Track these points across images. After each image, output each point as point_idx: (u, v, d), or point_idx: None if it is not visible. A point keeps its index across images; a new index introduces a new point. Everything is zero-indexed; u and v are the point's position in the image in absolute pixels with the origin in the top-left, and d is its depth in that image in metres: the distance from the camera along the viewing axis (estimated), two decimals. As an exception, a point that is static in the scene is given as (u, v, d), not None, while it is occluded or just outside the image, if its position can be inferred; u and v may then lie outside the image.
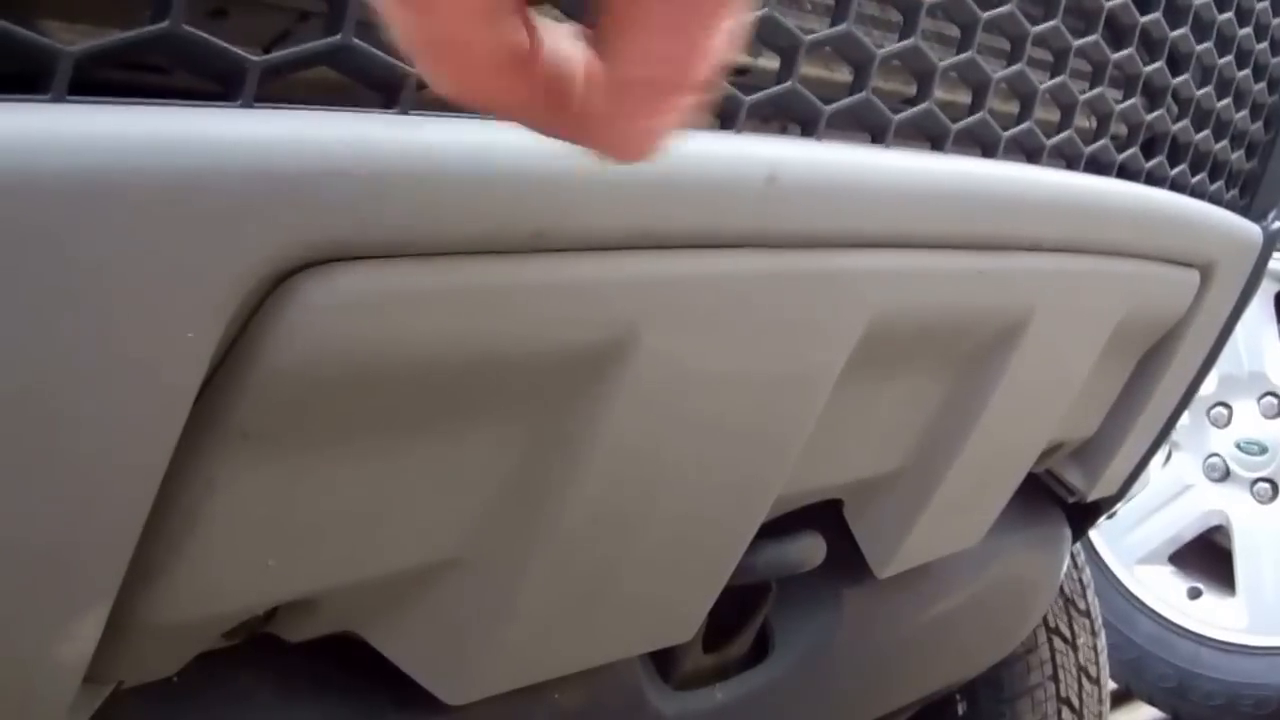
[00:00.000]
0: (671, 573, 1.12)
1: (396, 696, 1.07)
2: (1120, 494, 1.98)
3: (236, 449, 0.77)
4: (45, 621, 0.74)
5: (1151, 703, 3.94)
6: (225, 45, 0.70)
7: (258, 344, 0.74)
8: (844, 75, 1.10)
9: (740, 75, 1.03)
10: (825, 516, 1.43)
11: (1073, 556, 2.36)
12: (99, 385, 0.68)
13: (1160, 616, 3.95)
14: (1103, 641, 2.45)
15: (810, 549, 1.39)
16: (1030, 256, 1.26)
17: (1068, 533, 2.04)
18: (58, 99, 0.65)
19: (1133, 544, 4.05)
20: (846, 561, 1.47)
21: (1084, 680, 2.39)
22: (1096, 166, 1.39)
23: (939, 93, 1.15)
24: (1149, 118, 1.45)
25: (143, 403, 0.70)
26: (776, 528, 1.35)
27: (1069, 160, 1.35)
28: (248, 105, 0.72)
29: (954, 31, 1.18)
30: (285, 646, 1.01)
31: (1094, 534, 4.00)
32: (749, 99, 0.97)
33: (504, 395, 0.89)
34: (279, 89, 0.74)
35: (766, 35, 0.99)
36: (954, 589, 1.73)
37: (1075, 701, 2.37)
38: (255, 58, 0.72)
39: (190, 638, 0.89)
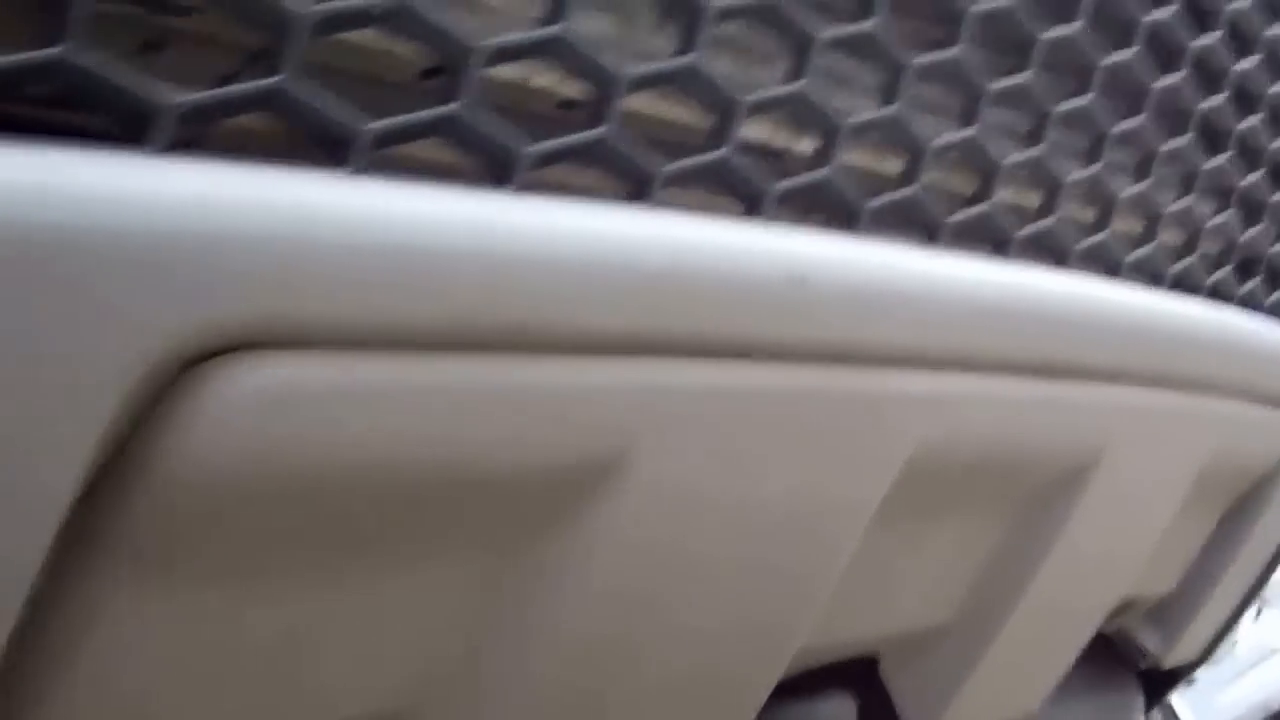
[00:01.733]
0: (669, 738, 1.01)
1: None
2: (1201, 659, 1.86)
3: (126, 574, 0.68)
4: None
5: None
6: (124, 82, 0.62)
7: (154, 445, 0.64)
8: (895, 166, 1.02)
9: (772, 158, 0.95)
10: (859, 674, 1.32)
11: (1148, 724, 2.25)
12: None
13: (1246, 793, 3.80)
14: (1180, 822, 2.34)
15: (837, 714, 1.28)
16: (1103, 388, 1.16)
17: (1141, 702, 1.92)
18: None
19: (1219, 709, 3.90)
20: (884, 729, 1.36)
21: None
22: (1184, 287, 1.29)
23: (1004, 192, 1.06)
24: (1246, 235, 1.35)
25: None
26: (800, 685, 1.24)
27: (1152, 278, 1.26)
28: (157, 152, 0.63)
29: (1026, 124, 1.09)
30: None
31: (1175, 695, 3.86)
32: (779, 186, 0.88)
33: (468, 520, 0.79)
34: (196, 134, 0.66)
35: (803, 115, 0.91)
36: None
37: None
38: (173, 100, 0.63)
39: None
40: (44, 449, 0.60)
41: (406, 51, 0.75)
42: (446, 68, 0.74)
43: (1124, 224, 1.20)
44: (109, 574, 0.68)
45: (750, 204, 0.89)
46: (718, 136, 0.85)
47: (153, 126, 0.63)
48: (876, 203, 0.94)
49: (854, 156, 0.97)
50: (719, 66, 0.85)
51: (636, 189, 0.83)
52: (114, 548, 0.67)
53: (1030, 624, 1.31)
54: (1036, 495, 1.20)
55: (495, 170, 0.76)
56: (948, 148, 0.99)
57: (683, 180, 0.84)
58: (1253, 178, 1.32)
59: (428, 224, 0.69)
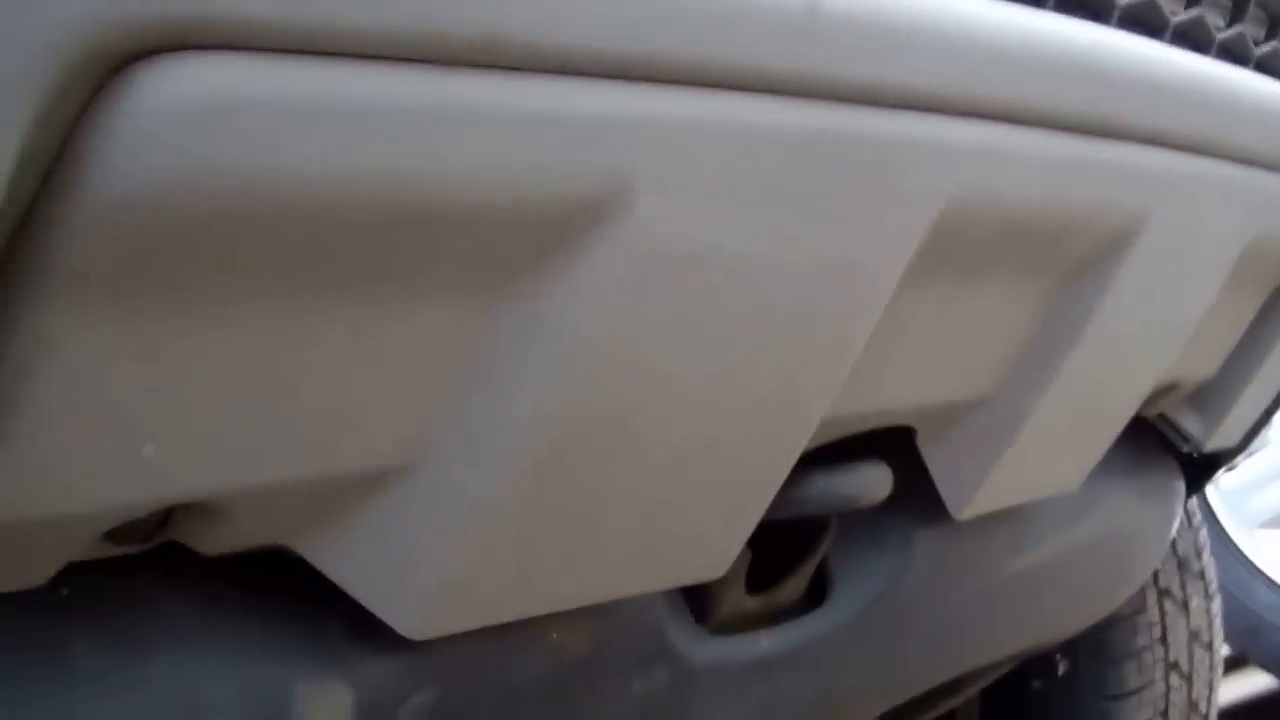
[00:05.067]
0: (689, 498, 0.90)
1: (350, 627, 0.87)
2: (1242, 446, 1.74)
3: (73, 298, 0.57)
4: None
5: (1266, 670, 3.69)
6: None
7: (84, 158, 0.54)
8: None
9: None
10: (898, 446, 1.21)
11: (1188, 515, 2.16)
12: None
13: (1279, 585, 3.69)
14: (1217, 606, 2.26)
15: (873, 481, 1.16)
16: (1148, 151, 1.02)
17: (1182, 486, 1.81)
18: None
19: (1255, 508, 3.77)
20: (920, 499, 1.25)
21: (1195, 646, 2.20)
22: (1230, 56, 1.14)
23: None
24: (1296, 4, 1.20)
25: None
26: (837, 454, 1.13)
27: (1197, 45, 1.11)
28: None
29: None
30: (215, 559, 0.82)
31: (1213, 495, 3.75)
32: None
33: (448, 258, 0.67)
34: None
35: None
36: (1047, 538, 1.50)
37: (1185, 667, 2.18)
38: None
39: (51, 541, 0.69)
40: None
41: None
42: None
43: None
44: (57, 304, 0.57)
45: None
46: None
47: None
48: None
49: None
50: None
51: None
52: (56, 272, 0.56)
53: (1067, 400, 1.19)
54: (1075, 264, 1.07)
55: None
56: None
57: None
58: (1305, -58, 1.17)
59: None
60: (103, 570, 0.78)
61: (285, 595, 0.87)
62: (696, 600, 1.14)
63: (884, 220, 0.85)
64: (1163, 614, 2.15)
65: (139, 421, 0.63)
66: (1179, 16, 1.07)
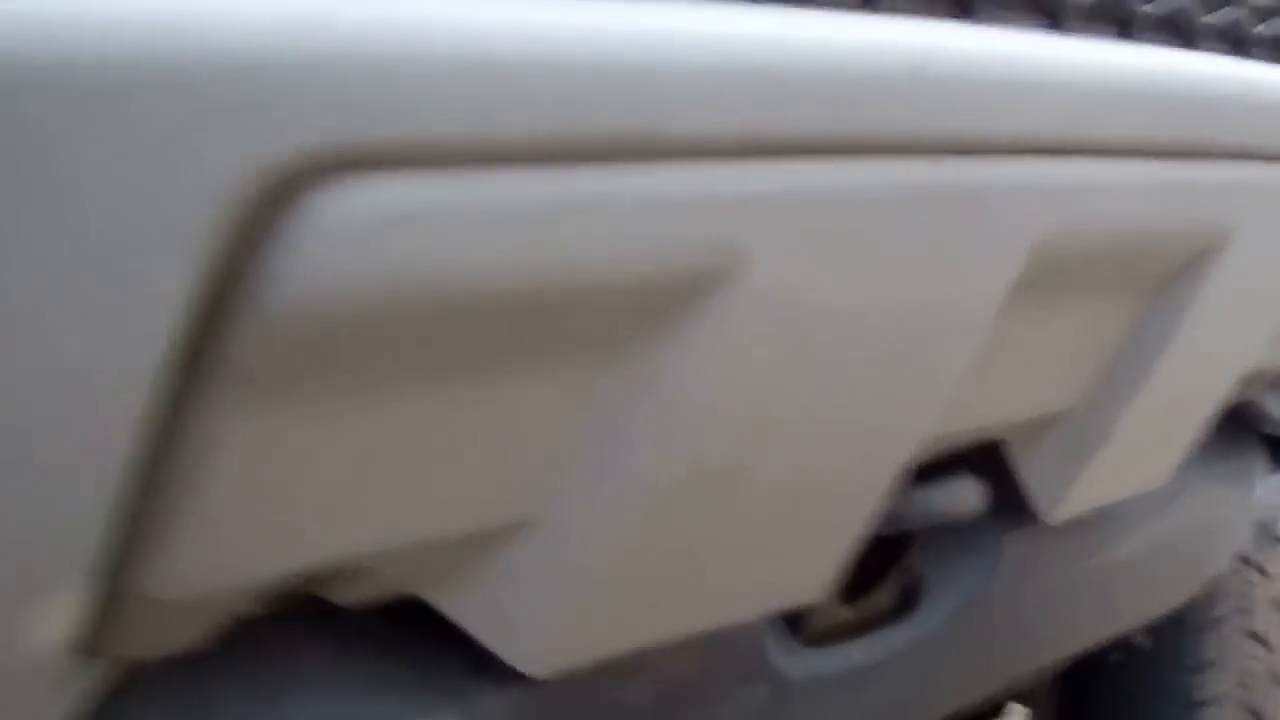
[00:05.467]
0: (792, 529, 0.96)
1: (472, 666, 0.93)
2: (1325, 424, 1.77)
3: (244, 399, 0.63)
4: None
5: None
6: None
7: (265, 271, 0.59)
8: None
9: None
10: (985, 452, 1.25)
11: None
12: (39, 317, 0.54)
13: (1358, 540, 3.69)
14: (1298, 574, 2.26)
15: (966, 496, 1.21)
16: (1229, 167, 1.06)
17: (1264, 464, 1.84)
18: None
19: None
20: (1009, 504, 1.29)
21: (1276, 614, 2.20)
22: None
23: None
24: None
25: (104, 340, 0.56)
26: (929, 470, 1.18)
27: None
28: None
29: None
30: (343, 609, 0.88)
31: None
32: (893, -26, 0.80)
33: (580, 332, 0.73)
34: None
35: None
36: (1132, 532, 1.54)
37: (1265, 635, 2.18)
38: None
39: (211, 609, 0.75)
40: (145, 278, 0.55)
41: None
42: None
43: (1252, -2, 1.09)
44: (228, 400, 0.63)
45: (865, -4, 0.81)
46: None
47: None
48: (996, -13, 0.86)
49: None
50: None
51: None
52: (232, 375, 0.62)
53: (1155, 404, 1.23)
54: (1162, 279, 1.11)
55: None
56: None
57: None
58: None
59: (532, 35, 0.63)
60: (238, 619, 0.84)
61: (406, 634, 0.93)
62: (790, 613, 1.19)
63: (983, 260, 0.89)
64: (1243, 583, 2.17)
65: (294, 500, 0.69)
66: (1259, 28, 1.11)
